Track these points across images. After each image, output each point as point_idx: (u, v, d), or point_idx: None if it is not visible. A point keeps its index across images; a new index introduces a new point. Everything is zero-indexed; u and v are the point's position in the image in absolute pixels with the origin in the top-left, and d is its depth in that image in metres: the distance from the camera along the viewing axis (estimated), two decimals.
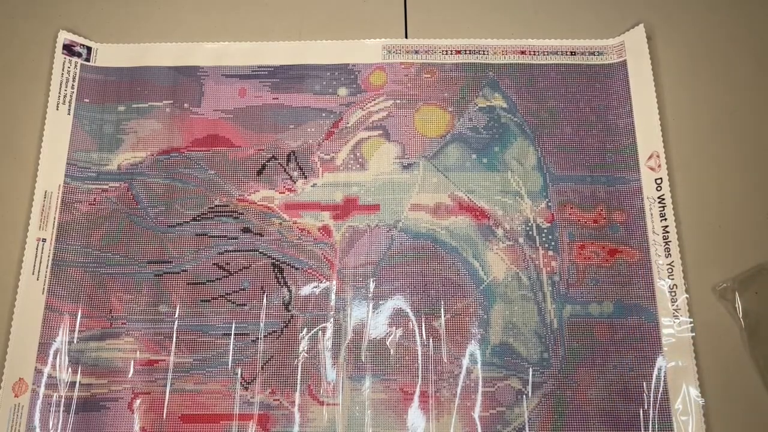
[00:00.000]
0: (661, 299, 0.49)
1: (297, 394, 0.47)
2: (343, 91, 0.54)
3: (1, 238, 0.51)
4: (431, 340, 0.49)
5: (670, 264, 0.49)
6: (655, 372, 0.47)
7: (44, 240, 0.50)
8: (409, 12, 0.57)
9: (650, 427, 0.46)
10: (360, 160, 0.53)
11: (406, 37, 0.56)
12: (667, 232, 0.50)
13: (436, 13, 0.57)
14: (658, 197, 0.51)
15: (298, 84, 0.55)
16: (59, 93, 0.54)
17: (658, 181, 0.51)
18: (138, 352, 0.48)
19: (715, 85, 0.55)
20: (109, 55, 0.56)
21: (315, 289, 0.50)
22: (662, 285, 0.49)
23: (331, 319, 0.49)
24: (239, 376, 0.48)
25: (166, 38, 0.56)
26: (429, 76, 0.55)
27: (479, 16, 0.57)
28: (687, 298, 0.49)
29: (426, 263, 0.50)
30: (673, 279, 0.49)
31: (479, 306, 0.49)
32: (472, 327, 0.49)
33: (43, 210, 0.51)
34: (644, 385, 0.47)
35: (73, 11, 0.57)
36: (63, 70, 0.54)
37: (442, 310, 0.49)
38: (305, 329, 0.49)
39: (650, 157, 0.52)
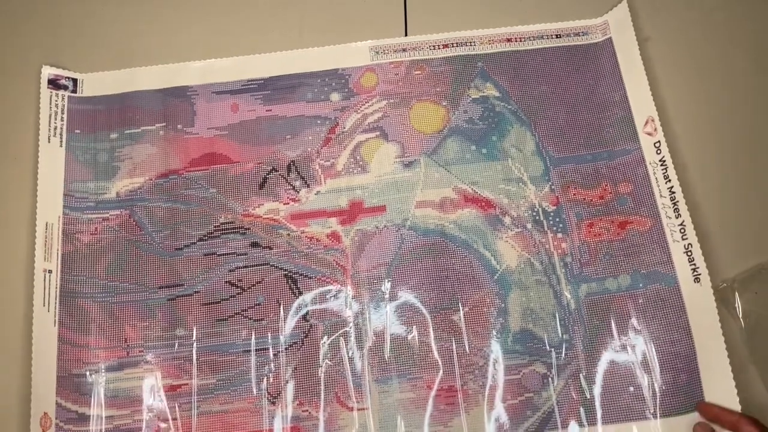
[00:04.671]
0: (678, 261, 0.49)
1: (325, 402, 0.47)
2: (335, 97, 0.54)
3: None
4: (452, 334, 0.49)
5: (681, 224, 0.50)
6: (680, 336, 0.47)
7: (50, 271, 0.50)
8: (409, 12, 0.57)
9: (681, 392, 0.46)
10: (361, 163, 0.53)
11: (406, 35, 0.56)
12: (674, 192, 0.51)
13: (436, 10, 0.57)
14: (660, 160, 0.51)
15: (289, 94, 0.54)
16: (49, 126, 0.53)
17: (657, 145, 0.52)
18: (159, 379, 0.48)
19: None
20: (96, 84, 0.55)
21: (331, 297, 0.50)
22: (677, 247, 0.49)
23: (351, 324, 0.49)
24: (265, 391, 0.47)
25: (151, 61, 0.55)
26: (419, 72, 0.55)
27: (470, 7, 0.57)
28: (702, 254, 0.49)
29: (438, 259, 0.50)
30: (687, 239, 0.49)
31: (496, 295, 0.49)
32: (490, 317, 0.49)
33: (46, 241, 0.50)
34: (672, 351, 0.47)
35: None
36: (50, 104, 0.54)
37: (459, 303, 0.49)
38: (326, 337, 0.49)
39: (646, 123, 0.53)
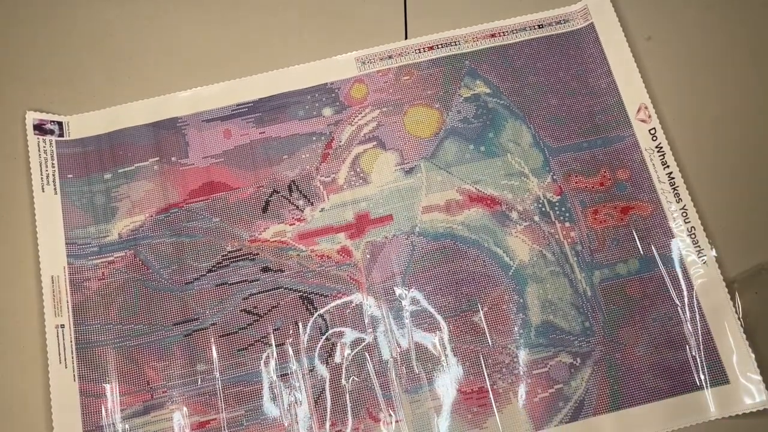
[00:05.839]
0: (683, 244, 0.50)
1: (357, 420, 0.47)
2: (327, 111, 0.54)
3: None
4: (475, 335, 0.49)
5: (683, 209, 0.50)
6: (693, 315, 0.48)
7: (62, 326, 0.49)
8: (409, 12, 0.56)
9: (701, 368, 0.47)
10: (361, 174, 0.52)
11: (406, 38, 0.56)
12: (673, 178, 0.51)
13: (437, 11, 0.57)
14: (656, 147, 0.52)
15: (281, 114, 0.54)
16: (41, 174, 0.52)
17: (652, 132, 0.52)
18: (186, 417, 0.47)
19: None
20: (82, 125, 0.54)
21: (349, 312, 0.49)
22: (681, 230, 0.50)
23: (372, 337, 0.49)
24: (295, 416, 0.47)
25: (136, 96, 0.54)
26: (408, 78, 0.55)
27: (466, 6, 0.57)
28: (707, 236, 0.50)
29: (451, 262, 0.50)
30: (689, 222, 0.50)
31: (513, 291, 0.49)
32: (510, 314, 0.49)
33: (54, 296, 0.49)
34: (687, 329, 0.48)
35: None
36: (39, 150, 0.53)
37: (478, 304, 0.49)
38: (349, 353, 0.48)
39: (639, 110, 0.53)
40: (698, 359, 0.47)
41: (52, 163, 0.52)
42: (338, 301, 0.49)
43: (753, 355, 0.47)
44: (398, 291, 0.50)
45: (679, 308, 0.48)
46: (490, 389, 0.47)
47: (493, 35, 0.56)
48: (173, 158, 0.53)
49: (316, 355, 0.48)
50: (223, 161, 0.53)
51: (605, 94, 0.54)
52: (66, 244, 0.51)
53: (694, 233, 0.50)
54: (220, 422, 0.47)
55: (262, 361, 0.48)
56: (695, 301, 0.48)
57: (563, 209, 0.51)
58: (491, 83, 0.54)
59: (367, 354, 0.48)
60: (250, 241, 0.51)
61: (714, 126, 0.53)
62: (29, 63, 0.56)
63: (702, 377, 0.47)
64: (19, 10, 0.58)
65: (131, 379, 0.48)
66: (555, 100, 0.54)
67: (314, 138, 0.53)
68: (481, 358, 0.48)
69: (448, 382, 0.48)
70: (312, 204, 0.52)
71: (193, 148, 0.53)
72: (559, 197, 0.52)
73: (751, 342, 0.47)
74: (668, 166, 0.51)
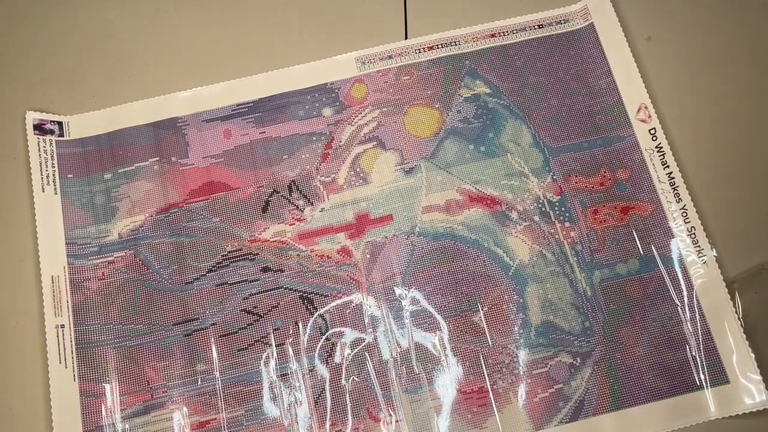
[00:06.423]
0: (683, 244, 0.50)
1: (357, 420, 0.47)
2: (327, 111, 0.54)
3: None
4: (475, 335, 0.49)
5: (683, 208, 0.50)
6: (693, 315, 0.48)
7: (62, 326, 0.49)
8: (409, 12, 0.56)
9: (701, 368, 0.47)
10: (362, 174, 0.52)
11: (406, 38, 0.56)
12: (673, 178, 0.51)
13: (436, 11, 0.57)
14: (656, 147, 0.52)
15: (281, 114, 0.54)
16: (41, 174, 0.52)
17: (652, 132, 0.52)
18: (186, 417, 0.47)
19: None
20: (82, 125, 0.54)
21: (349, 312, 0.49)
22: (681, 230, 0.50)
23: (372, 337, 0.49)
24: (295, 416, 0.47)
25: (136, 96, 0.54)
26: (408, 77, 0.55)
27: (465, 6, 0.57)
28: (707, 236, 0.50)
29: (451, 262, 0.50)
30: (689, 222, 0.50)
31: (513, 291, 0.49)
32: (510, 314, 0.49)
33: (54, 296, 0.49)
34: (687, 329, 0.48)
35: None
36: (39, 150, 0.53)
37: (478, 304, 0.49)
38: (349, 353, 0.48)
39: (639, 110, 0.53)
40: (698, 359, 0.47)
41: (52, 163, 0.52)
42: (338, 301, 0.49)
43: (753, 355, 0.47)
44: (398, 291, 0.50)
45: (679, 308, 0.48)
46: (490, 389, 0.47)
47: (493, 35, 0.56)
48: (173, 158, 0.53)
49: (316, 355, 0.48)
50: (223, 161, 0.53)
51: (605, 94, 0.54)
52: (66, 244, 0.51)
53: (694, 233, 0.50)
54: (220, 422, 0.47)
55: (262, 361, 0.48)
56: (695, 301, 0.48)
57: (563, 209, 0.51)
58: (491, 83, 0.54)
59: (367, 354, 0.48)
60: (250, 241, 0.51)
61: (714, 126, 0.53)
62: (29, 63, 0.56)
63: (702, 377, 0.47)
64: (19, 10, 0.58)
65: (131, 379, 0.48)
66: (555, 100, 0.54)
67: (314, 138, 0.53)
68: (481, 358, 0.48)
69: (448, 382, 0.48)
70: (312, 204, 0.52)
71: (193, 148, 0.53)
72: (559, 197, 0.52)
73: (751, 342, 0.47)
74: (668, 166, 0.51)
